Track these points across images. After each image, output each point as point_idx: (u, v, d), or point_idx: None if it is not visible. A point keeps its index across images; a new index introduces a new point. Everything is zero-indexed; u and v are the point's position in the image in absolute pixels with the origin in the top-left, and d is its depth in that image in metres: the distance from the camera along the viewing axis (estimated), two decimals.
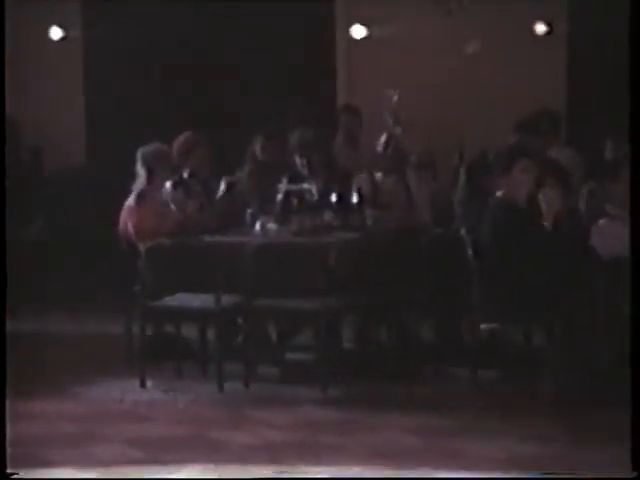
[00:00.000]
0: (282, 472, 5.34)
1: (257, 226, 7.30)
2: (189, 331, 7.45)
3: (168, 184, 7.63)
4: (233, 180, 7.81)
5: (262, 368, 7.11)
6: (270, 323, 7.50)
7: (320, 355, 6.86)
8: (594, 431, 5.85)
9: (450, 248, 6.88)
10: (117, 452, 5.69)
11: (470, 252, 6.68)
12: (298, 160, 8.02)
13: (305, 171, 7.95)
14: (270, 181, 7.78)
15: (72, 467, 5.44)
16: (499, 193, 6.71)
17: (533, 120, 8.44)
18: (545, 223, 6.53)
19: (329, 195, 7.52)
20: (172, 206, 7.51)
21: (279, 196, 7.51)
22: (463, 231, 6.90)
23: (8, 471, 4.72)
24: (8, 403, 4.90)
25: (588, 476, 5.12)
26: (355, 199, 7.53)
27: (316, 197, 7.61)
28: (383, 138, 8.18)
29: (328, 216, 7.39)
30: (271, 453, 5.64)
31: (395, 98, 8.75)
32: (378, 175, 8.03)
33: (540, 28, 9.72)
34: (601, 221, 6.65)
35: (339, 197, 7.47)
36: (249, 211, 7.45)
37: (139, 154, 7.46)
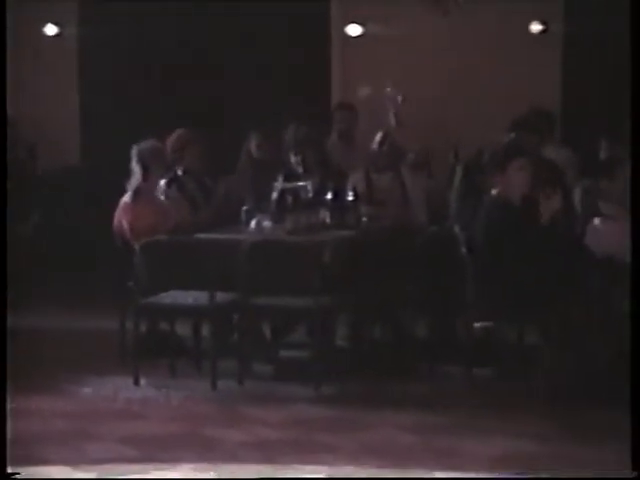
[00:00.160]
0: (276, 470, 5.33)
1: (252, 224, 7.30)
2: (183, 328, 7.45)
3: (162, 182, 7.63)
4: (230, 184, 7.79)
5: (256, 366, 7.10)
6: (264, 321, 7.49)
7: (314, 353, 6.85)
8: (588, 429, 5.85)
9: (445, 246, 6.88)
10: (110, 450, 5.68)
11: (464, 250, 6.68)
12: (293, 158, 8.01)
13: (300, 169, 7.95)
14: (265, 179, 7.78)
15: (65, 465, 5.42)
16: (494, 191, 6.71)
17: (528, 119, 8.44)
18: (540, 221, 6.52)
19: (324, 193, 7.52)
20: (167, 204, 7.51)
21: (274, 194, 7.51)
22: (457, 229, 6.90)
23: (8, 471, 4.71)
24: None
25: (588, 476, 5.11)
26: (350, 197, 7.53)
27: (311, 195, 7.60)
28: (379, 136, 8.18)
29: (323, 214, 7.39)
30: (265, 451, 5.63)
31: (399, 98, 8.78)
32: (373, 173, 8.03)
33: (536, 28, 9.72)
34: (595, 220, 6.65)
35: (334, 195, 7.47)
36: (244, 208, 7.44)
37: (134, 151, 7.45)
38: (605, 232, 6.57)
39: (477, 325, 6.63)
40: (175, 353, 7.15)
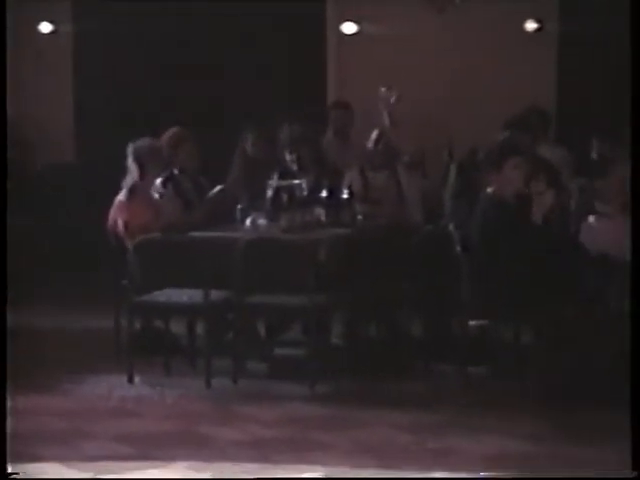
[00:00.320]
0: (270, 468, 5.32)
1: (247, 222, 7.29)
2: (178, 326, 7.44)
3: (158, 181, 7.62)
4: (219, 190, 7.77)
5: (251, 364, 7.10)
6: (259, 319, 7.48)
7: (309, 351, 6.85)
8: (583, 429, 5.85)
9: (440, 245, 6.88)
10: (105, 447, 5.67)
11: (459, 249, 6.68)
12: (288, 156, 8.00)
13: (295, 167, 7.94)
14: (261, 177, 7.77)
15: (59, 462, 5.42)
16: (489, 190, 6.71)
17: (523, 117, 8.44)
18: (535, 220, 6.53)
19: (319, 191, 7.51)
20: (162, 202, 7.50)
21: (269, 192, 7.50)
22: (452, 228, 6.90)
23: (8, 471, 4.70)
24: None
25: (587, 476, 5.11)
26: (345, 195, 7.52)
27: (306, 193, 7.60)
28: (374, 135, 8.19)
29: (318, 212, 7.39)
30: (259, 449, 5.62)
31: (393, 99, 8.78)
32: (369, 171, 8.03)
33: (531, 26, 9.72)
34: (590, 218, 6.65)
35: (329, 193, 7.47)
36: (239, 207, 7.44)
37: (131, 149, 7.42)
38: (600, 230, 6.57)
39: (472, 324, 6.63)
40: (170, 351, 7.14)
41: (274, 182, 7.60)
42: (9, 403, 5.69)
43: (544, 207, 6.56)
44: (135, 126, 8.22)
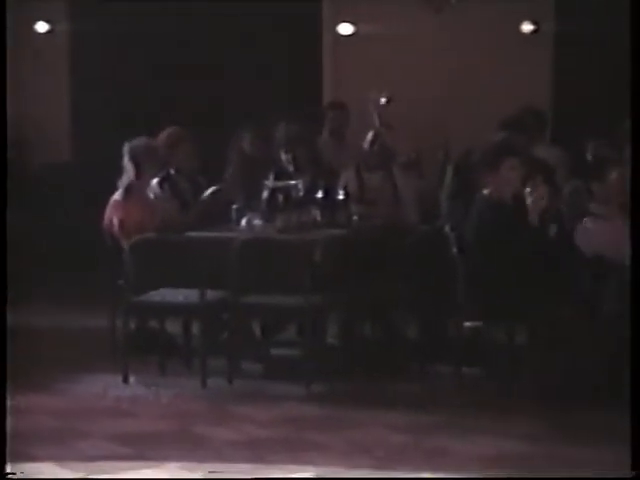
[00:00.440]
0: (265, 469, 5.32)
1: (243, 222, 7.29)
2: (173, 326, 7.44)
3: (155, 180, 7.61)
4: (218, 188, 7.76)
5: (246, 364, 7.09)
6: (254, 319, 7.48)
7: (305, 351, 6.85)
8: (578, 429, 5.85)
9: (436, 246, 6.88)
10: (100, 447, 5.67)
11: (455, 250, 6.68)
12: (284, 156, 8.00)
13: (291, 167, 7.94)
14: (257, 177, 7.77)
15: (54, 462, 5.41)
16: (485, 191, 6.71)
17: (519, 118, 8.44)
18: (531, 221, 6.53)
19: (315, 191, 7.51)
20: (157, 202, 7.49)
21: (265, 193, 7.50)
22: (448, 229, 6.90)
23: (8, 471, 4.69)
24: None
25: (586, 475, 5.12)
26: (341, 195, 7.52)
27: (302, 193, 7.59)
28: (369, 136, 8.19)
29: (314, 212, 7.39)
30: (255, 449, 5.62)
31: (383, 101, 8.78)
32: (364, 172, 8.03)
33: (527, 27, 9.73)
34: (585, 220, 6.65)
35: (325, 193, 7.46)
36: (235, 207, 7.43)
37: (127, 148, 7.41)
38: (595, 232, 6.57)
39: (467, 325, 6.63)
40: (165, 351, 7.14)
41: (270, 183, 7.60)
42: (8, 402, 5.70)
43: (540, 208, 6.55)
44: (132, 126, 8.21)
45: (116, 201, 7.37)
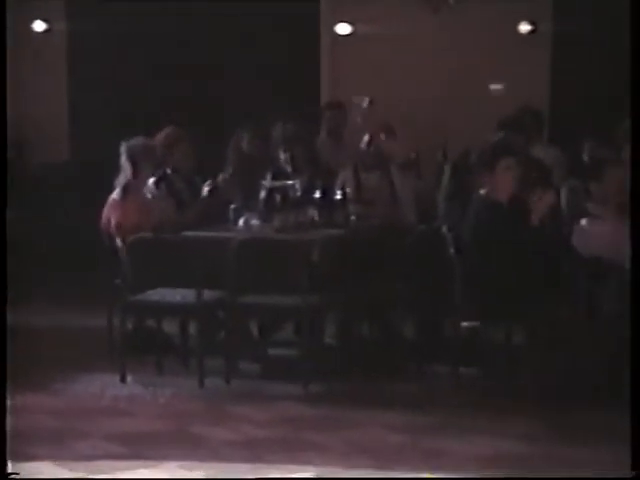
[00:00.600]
0: (263, 468, 5.32)
1: (240, 222, 7.29)
2: (170, 326, 7.43)
3: (151, 180, 7.61)
4: (215, 185, 7.76)
5: (243, 364, 7.09)
6: (252, 319, 7.48)
7: (302, 351, 6.84)
8: (576, 429, 5.85)
9: (433, 246, 6.88)
10: (97, 447, 5.67)
11: (452, 250, 6.68)
12: (282, 155, 8.00)
13: (289, 167, 7.93)
14: (254, 177, 7.76)
15: (51, 461, 5.41)
16: (482, 191, 6.71)
17: (516, 118, 8.44)
18: (529, 221, 6.53)
19: (313, 191, 7.51)
20: (154, 202, 7.49)
21: (262, 193, 7.49)
22: (446, 229, 6.90)
23: (9, 471, 4.69)
24: None
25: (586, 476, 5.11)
26: (339, 195, 7.52)
27: (300, 193, 7.59)
28: (366, 138, 8.19)
29: (312, 212, 7.38)
30: (252, 449, 5.62)
31: (364, 104, 8.81)
32: (362, 172, 8.03)
33: (525, 28, 9.73)
34: (583, 220, 6.65)
35: (323, 193, 7.46)
36: (232, 207, 7.43)
37: (125, 148, 7.40)
38: (593, 232, 6.57)
39: (465, 325, 6.62)
40: (162, 351, 7.14)
41: (267, 183, 7.60)
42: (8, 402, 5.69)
43: (537, 208, 6.56)
44: (131, 125, 8.20)
45: (114, 200, 7.37)
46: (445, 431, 5.86)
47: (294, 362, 6.98)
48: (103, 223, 7.37)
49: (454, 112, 9.51)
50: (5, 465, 4.66)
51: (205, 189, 7.66)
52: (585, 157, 8.10)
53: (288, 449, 5.62)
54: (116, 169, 7.46)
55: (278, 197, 7.50)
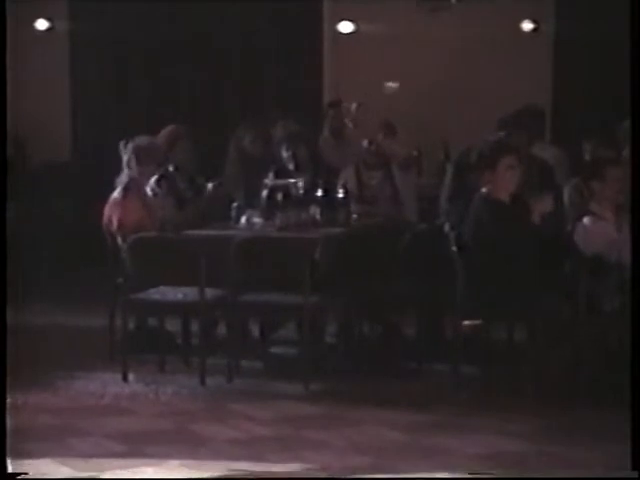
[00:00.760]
0: (264, 467, 5.32)
1: (242, 220, 7.29)
2: (172, 324, 7.44)
3: (152, 179, 7.61)
4: (220, 182, 7.76)
5: (245, 362, 7.09)
6: (254, 317, 7.48)
7: (303, 350, 6.85)
8: (577, 428, 5.85)
9: (435, 244, 6.88)
10: (99, 445, 5.67)
11: (454, 248, 6.68)
12: (285, 153, 8.00)
13: (291, 165, 7.94)
14: (256, 175, 7.77)
15: (53, 459, 5.41)
16: (484, 190, 6.71)
17: (517, 117, 8.44)
18: (530, 220, 6.53)
19: (315, 190, 7.51)
20: (155, 200, 7.49)
21: (264, 191, 7.50)
22: (447, 227, 6.90)
23: (9, 469, 4.69)
24: None
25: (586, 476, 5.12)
26: (341, 194, 7.52)
27: (302, 192, 7.59)
28: (366, 142, 8.21)
29: (313, 211, 7.39)
30: (253, 447, 5.62)
31: (353, 108, 8.85)
32: (364, 170, 8.04)
33: (527, 27, 9.74)
34: (585, 219, 6.66)
35: (325, 192, 7.46)
36: (234, 205, 7.44)
37: (129, 147, 7.40)
38: (594, 231, 6.57)
39: (466, 323, 6.63)
40: (164, 349, 7.14)
41: (270, 181, 7.60)
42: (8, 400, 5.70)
43: (538, 207, 6.56)
44: (132, 124, 8.22)
45: (115, 199, 7.37)
46: (446, 429, 5.86)
47: (295, 361, 6.99)
48: (104, 222, 7.37)
49: (455, 111, 9.52)
50: (5, 462, 4.66)
51: (210, 185, 7.66)
52: (586, 156, 8.10)
53: (289, 447, 5.62)
54: (117, 168, 7.46)
55: (280, 195, 7.51)
